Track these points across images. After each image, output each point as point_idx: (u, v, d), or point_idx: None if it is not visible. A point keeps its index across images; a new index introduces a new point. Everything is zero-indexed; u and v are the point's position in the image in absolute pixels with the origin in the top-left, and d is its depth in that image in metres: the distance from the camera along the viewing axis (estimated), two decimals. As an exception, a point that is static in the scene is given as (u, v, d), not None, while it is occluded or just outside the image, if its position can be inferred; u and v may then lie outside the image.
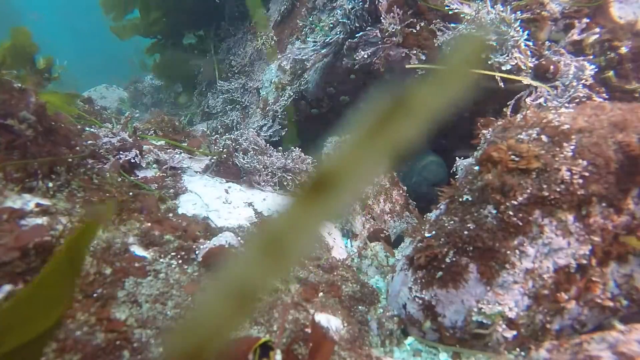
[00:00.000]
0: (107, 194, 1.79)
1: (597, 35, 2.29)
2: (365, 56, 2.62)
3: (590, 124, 1.63)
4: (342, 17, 2.64)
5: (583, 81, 2.15)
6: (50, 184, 1.78)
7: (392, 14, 2.51)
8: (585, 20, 2.29)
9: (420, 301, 1.65)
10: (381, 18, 2.56)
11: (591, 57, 2.34)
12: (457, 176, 2.06)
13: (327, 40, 2.76)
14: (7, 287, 1.16)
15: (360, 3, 2.59)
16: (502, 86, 2.36)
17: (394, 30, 2.52)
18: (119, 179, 2.07)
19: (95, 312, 1.24)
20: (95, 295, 1.29)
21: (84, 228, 0.67)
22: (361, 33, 2.63)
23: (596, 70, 2.20)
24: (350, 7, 2.59)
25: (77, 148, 1.96)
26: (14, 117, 1.63)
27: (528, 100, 2.27)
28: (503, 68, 2.27)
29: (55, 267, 0.64)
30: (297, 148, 2.82)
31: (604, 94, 2.26)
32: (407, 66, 2.53)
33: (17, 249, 1.19)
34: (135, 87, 6.82)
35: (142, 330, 1.26)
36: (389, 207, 2.66)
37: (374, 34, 2.59)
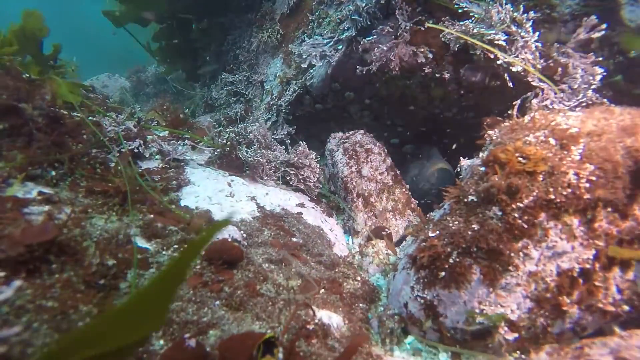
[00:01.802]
0: (110, 184, 1.78)
1: (604, 32, 2.27)
2: (379, 54, 2.59)
3: (599, 128, 1.62)
4: (354, 13, 2.62)
5: (592, 85, 2.14)
6: (53, 173, 1.77)
7: (400, 10, 2.49)
8: (593, 17, 2.26)
9: (422, 301, 1.65)
10: (396, 14, 2.53)
11: (600, 59, 2.32)
12: (461, 176, 2.05)
13: (340, 37, 2.72)
14: (17, 283, 1.15)
15: (374, 0, 2.56)
16: (511, 86, 2.35)
17: (404, 27, 2.50)
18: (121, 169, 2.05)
19: (97, 303, 1.23)
20: (97, 286, 1.29)
21: (189, 247, 0.67)
22: (373, 36, 2.61)
23: (605, 73, 2.19)
24: (363, 4, 2.56)
25: (85, 137, 1.94)
26: (28, 103, 1.63)
27: (534, 101, 2.26)
28: (513, 69, 2.25)
29: (154, 284, 0.64)
30: (302, 142, 2.81)
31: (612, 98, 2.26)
32: (428, 25, 2.49)
33: (23, 245, 1.19)
34: (137, 77, 6.79)
35: (144, 323, 1.26)
36: (391, 205, 2.65)
37: (385, 31, 2.57)
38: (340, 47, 2.75)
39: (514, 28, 2.25)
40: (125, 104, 4.85)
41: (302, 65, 3.01)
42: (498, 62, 2.31)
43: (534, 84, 2.27)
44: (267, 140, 2.75)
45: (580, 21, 2.43)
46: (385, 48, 2.56)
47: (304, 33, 3.44)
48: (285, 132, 3.35)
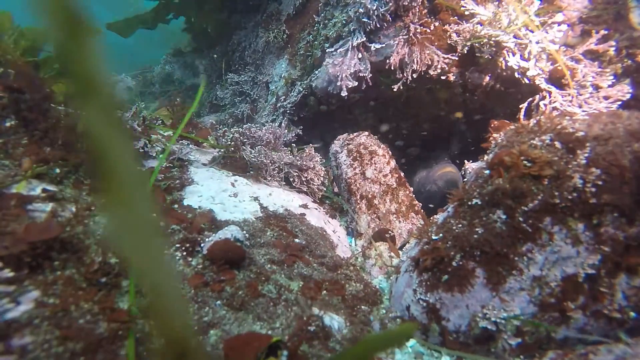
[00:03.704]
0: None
1: (614, 49, 2.25)
2: (390, 53, 2.56)
3: (606, 132, 1.60)
4: (363, 16, 2.59)
5: (617, 102, 2.11)
6: (58, 170, 1.77)
7: (411, 12, 2.48)
8: (602, 31, 2.24)
9: (425, 304, 1.63)
10: (408, 17, 2.52)
11: (607, 65, 2.30)
12: (466, 179, 2.04)
13: (353, 43, 2.68)
14: (35, 294, 1.15)
15: (385, 4, 2.54)
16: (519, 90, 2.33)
17: (415, 30, 2.49)
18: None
19: (98, 300, 1.24)
20: (99, 284, 1.29)
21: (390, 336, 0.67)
22: (382, 44, 2.58)
23: (613, 80, 2.17)
24: (374, 7, 2.54)
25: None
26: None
27: (542, 104, 2.24)
28: (528, 74, 2.22)
29: None
30: (309, 145, 2.81)
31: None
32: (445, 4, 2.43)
33: (25, 243, 1.19)
34: (144, 77, 6.83)
35: (145, 321, 1.26)
36: (395, 207, 2.64)
37: (400, 37, 2.55)
38: (359, 55, 2.69)
39: (523, 31, 2.23)
40: (133, 104, 4.87)
41: (342, 94, 2.77)
42: (509, 64, 2.28)
43: (542, 86, 2.25)
44: (278, 142, 2.74)
45: (588, 25, 2.41)
46: (418, 58, 2.53)
47: (310, 34, 3.44)
48: (293, 134, 3.34)
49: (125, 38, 5.06)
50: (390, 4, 2.50)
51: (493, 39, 2.27)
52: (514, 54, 2.28)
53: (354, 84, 2.72)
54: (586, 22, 2.41)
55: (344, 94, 2.74)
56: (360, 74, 2.70)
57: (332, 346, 1.45)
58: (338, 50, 2.74)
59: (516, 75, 2.31)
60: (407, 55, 2.59)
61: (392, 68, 2.65)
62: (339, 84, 2.72)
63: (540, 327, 1.52)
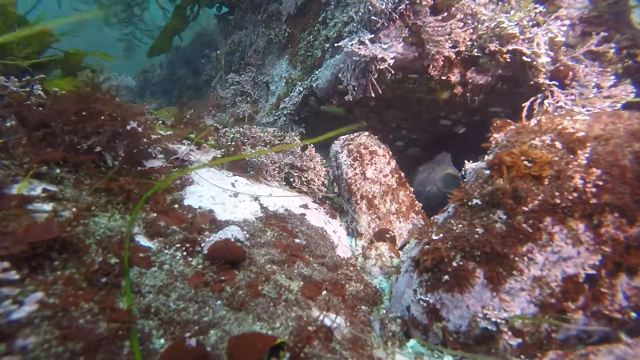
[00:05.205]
0: (115, 182, 1.79)
1: (614, 50, 2.24)
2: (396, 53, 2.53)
3: (607, 132, 1.60)
4: (369, 14, 2.56)
5: (621, 102, 2.11)
6: (58, 170, 1.77)
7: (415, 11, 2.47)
8: (602, 33, 2.23)
9: (425, 304, 1.63)
10: (407, 17, 2.51)
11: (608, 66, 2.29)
12: (465, 179, 2.04)
13: (361, 38, 2.66)
14: (38, 295, 1.15)
15: (393, 2, 2.51)
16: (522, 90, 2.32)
17: (416, 28, 2.47)
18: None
19: (99, 300, 1.24)
20: (99, 284, 1.29)
21: None
22: (388, 43, 2.56)
23: (615, 80, 2.16)
24: (382, 6, 2.51)
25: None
26: None
27: (546, 103, 2.23)
28: (539, 60, 2.21)
29: None
30: (310, 145, 2.81)
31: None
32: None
33: (25, 243, 1.19)
34: (144, 77, 6.83)
35: (145, 321, 1.26)
36: (395, 207, 2.64)
37: (397, 33, 2.54)
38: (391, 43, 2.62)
39: (528, 34, 2.22)
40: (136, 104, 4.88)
41: (389, 62, 2.57)
42: (519, 48, 2.25)
43: (546, 82, 2.24)
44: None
45: (590, 25, 2.41)
46: (439, 61, 2.52)
47: (310, 34, 3.44)
48: (298, 135, 3.33)
49: (168, 52, 5.19)
50: (406, 2, 2.47)
51: (497, 27, 2.24)
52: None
53: (395, 55, 2.63)
54: (587, 22, 2.41)
55: (390, 61, 2.60)
56: (383, 66, 2.63)
57: (332, 346, 1.45)
58: (348, 44, 2.70)
59: (524, 59, 2.27)
60: (416, 52, 2.57)
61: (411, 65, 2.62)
62: (380, 56, 2.59)
63: (541, 327, 1.52)
